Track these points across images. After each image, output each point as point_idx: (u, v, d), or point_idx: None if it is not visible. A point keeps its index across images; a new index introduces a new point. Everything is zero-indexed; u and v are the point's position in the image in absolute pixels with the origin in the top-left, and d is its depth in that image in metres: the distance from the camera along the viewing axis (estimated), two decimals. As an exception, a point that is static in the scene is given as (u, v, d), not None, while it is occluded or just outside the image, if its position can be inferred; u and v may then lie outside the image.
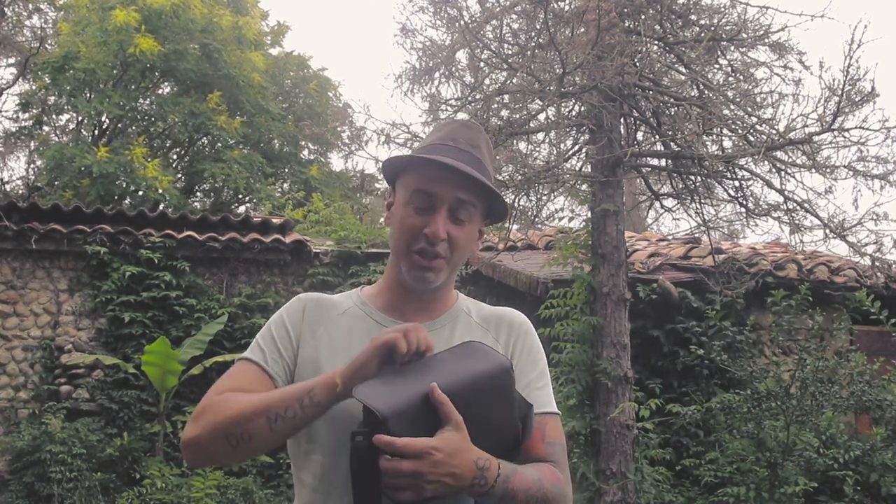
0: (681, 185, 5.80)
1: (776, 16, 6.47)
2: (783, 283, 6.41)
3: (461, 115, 5.47)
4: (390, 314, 1.55)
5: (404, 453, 1.26)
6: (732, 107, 5.36)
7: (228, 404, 1.40)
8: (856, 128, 5.04)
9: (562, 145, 6.03)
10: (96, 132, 13.77)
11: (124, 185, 12.07)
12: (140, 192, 12.45)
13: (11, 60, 15.01)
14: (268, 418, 1.35)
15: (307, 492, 1.48)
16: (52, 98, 13.72)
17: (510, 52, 5.45)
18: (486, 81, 5.53)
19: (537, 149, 5.96)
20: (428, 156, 1.49)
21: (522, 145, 5.89)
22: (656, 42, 5.43)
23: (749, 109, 5.32)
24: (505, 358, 1.41)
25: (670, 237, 9.01)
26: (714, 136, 5.46)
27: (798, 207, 5.28)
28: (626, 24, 5.20)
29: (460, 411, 1.31)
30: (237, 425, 1.36)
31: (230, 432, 1.36)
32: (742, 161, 5.30)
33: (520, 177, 5.37)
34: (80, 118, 13.46)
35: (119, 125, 13.77)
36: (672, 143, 5.42)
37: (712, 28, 5.38)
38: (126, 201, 12.46)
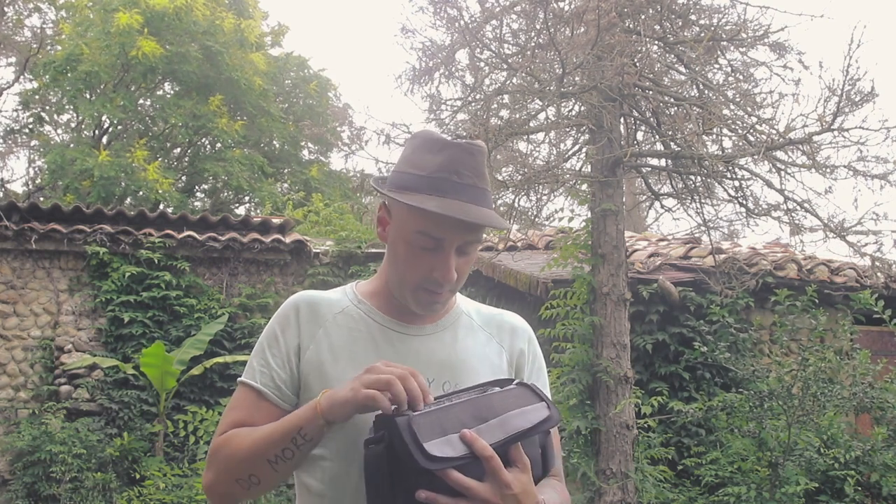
0: (681, 185, 5.79)
1: (776, 16, 6.47)
2: (783, 283, 6.42)
3: (461, 116, 5.46)
4: (390, 315, 1.52)
5: (476, 496, 1.23)
6: (732, 107, 5.35)
7: (231, 449, 1.41)
8: (856, 128, 5.04)
9: (562, 145, 6.03)
10: (97, 132, 13.77)
11: (124, 186, 12.08)
12: (140, 193, 12.47)
13: (12, 60, 15.01)
14: (268, 461, 1.36)
15: (313, 498, 1.46)
16: (53, 97, 13.72)
17: (510, 53, 5.44)
18: (486, 81, 5.52)
19: (537, 149, 5.96)
20: (435, 210, 1.38)
21: (522, 145, 5.88)
22: (656, 42, 5.43)
23: (749, 109, 5.32)
24: (543, 408, 1.38)
25: (670, 237, 9.01)
26: (714, 136, 5.45)
27: (798, 207, 5.27)
28: (626, 24, 5.20)
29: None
30: (244, 471, 1.39)
31: (240, 478, 1.40)
32: (742, 161, 5.29)
33: (520, 177, 5.36)
34: (80, 118, 13.47)
35: (119, 126, 13.78)
36: (672, 143, 5.41)
37: (712, 28, 5.38)
38: (127, 201, 12.46)
